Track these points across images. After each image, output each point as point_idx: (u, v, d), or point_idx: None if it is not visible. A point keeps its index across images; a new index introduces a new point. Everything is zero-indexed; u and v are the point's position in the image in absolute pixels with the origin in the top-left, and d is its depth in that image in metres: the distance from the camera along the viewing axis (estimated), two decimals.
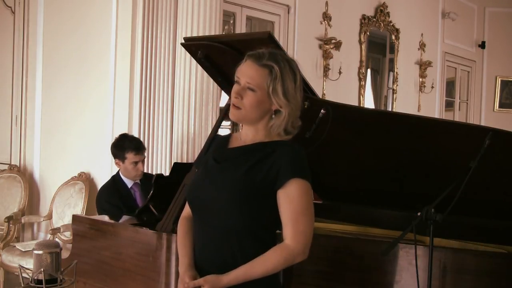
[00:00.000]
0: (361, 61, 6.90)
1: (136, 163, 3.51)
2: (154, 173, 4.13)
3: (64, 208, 4.65)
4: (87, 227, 2.75)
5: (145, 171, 4.18)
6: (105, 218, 2.95)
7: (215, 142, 1.94)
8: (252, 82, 1.73)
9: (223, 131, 4.31)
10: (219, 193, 1.74)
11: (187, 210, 1.92)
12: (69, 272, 1.87)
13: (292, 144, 1.78)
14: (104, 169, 4.47)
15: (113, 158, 3.60)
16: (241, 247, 1.72)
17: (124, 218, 2.97)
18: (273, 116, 1.77)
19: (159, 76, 4.30)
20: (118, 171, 3.63)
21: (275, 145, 1.76)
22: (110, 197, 3.49)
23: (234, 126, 5.18)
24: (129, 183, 3.58)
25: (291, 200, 1.71)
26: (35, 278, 1.76)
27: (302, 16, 5.95)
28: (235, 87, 1.76)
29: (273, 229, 1.81)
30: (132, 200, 3.56)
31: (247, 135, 1.82)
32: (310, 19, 6.11)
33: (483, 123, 9.00)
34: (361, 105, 6.75)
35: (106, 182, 3.69)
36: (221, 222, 1.74)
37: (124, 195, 3.54)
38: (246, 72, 1.75)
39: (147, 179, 3.64)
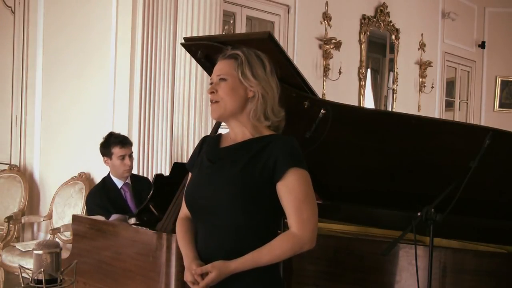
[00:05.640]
0: (361, 61, 6.91)
1: (123, 157, 3.54)
2: (154, 173, 4.15)
3: (64, 208, 4.65)
4: (87, 227, 2.75)
5: (145, 171, 4.20)
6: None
7: (206, 143, 1.94)
8: (222, 72, 1.80)
9: (223, 131, 4.31)
10: (219, 192, 1.75)
11: (183, 211, 1.93)
12: (69, 272, 1.87)
13: (283, 136, 1.81)
14: (104, 169, 4.46)
15: (102, 158, 3.63)
16: (245, 242, 1.73)
17: (114, 216, 2.95)
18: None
19: (159, 76, 4.30)
20: (109, 173, 3.64)
21: (267, 139, 1.78)
22: (99, 199, 3.49)
23: None
24: (119, 183, 3.59)
25: (291, 190, 1.72)
26: (35, 278, 1.75)
27: (302, 16, 5.95)
28: (209, 88, 1.83)
29: (276, 221, 1.82)
30: (122, 200, 3.56)
31: (236, 134, 1.84)
32: (310, 19, 6.11)
33: (483, 123, 9.00)
34: (361, 105, 6.75)
35: (96, 185, 3.73)
36: (223, 221, 1.74)
37: (114, 196, 3.54)
38: (216, 69, 1.84)
39: (137, 180, 3.69)
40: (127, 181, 3.62)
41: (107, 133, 3.71)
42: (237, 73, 1.79)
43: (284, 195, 1.73)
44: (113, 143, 3.54)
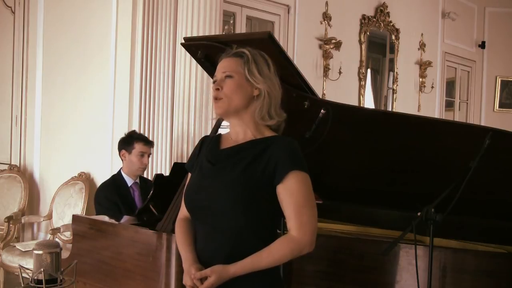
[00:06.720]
0: (361, 61, 6.90)
1: (142, 154, 3.60)
2: (154, 173, 4.15)
3: (64, 208, 4.65)
4: (87, 227, 2.75)
5: (146, 171, 4.20)
6: (105, 218, 2.95)
7: (205, 143, 1.93)
8: (228, 69, 1.79)
9: (224, 131, 4.32)
10: (220, 195, 1.74)
11: (183, 212, 1.92)
12: (69, 272, 1.87)
13: (284, 137, 1.80)
14: (104, 169, 4.47)
15: (118, 152, 3.67)
16: (245, 244, 1.72)
17: (125, 218, 2.97)
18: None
19: (159, 76, 4.30)
20: (120, 170, 3.66)
21: (268, 140, 1.77)
22: (109, 194, 3.53)
23: None
24: (129, 181, 3.62)
25: (292, 193, 1.71)
26: (35, 278, 1.75)
27: (302, 16, 5.95)
28: (213, 85, 1.82)
29: (275, 223, 1.82)
30: (130, 198, 3.59)
31: (238, 133, 1.83)
32: (310, 19, 6.11)
33: (483, 123, 9.00)
34: (361, 105, 6.75)
35: (106, 180, 3.74)
36: (224, 223, 1.74)
37: (123, 193, 3.57)
38: (220, 66, 1.82)
39: (144, 182, 3.73)
40: (136, 180, 3.65)
41: (130, 130, 3.83)
42: (243, 70, 1.78)
43: (284, 198, 1.72)
44: (137, 139, 3.62)
